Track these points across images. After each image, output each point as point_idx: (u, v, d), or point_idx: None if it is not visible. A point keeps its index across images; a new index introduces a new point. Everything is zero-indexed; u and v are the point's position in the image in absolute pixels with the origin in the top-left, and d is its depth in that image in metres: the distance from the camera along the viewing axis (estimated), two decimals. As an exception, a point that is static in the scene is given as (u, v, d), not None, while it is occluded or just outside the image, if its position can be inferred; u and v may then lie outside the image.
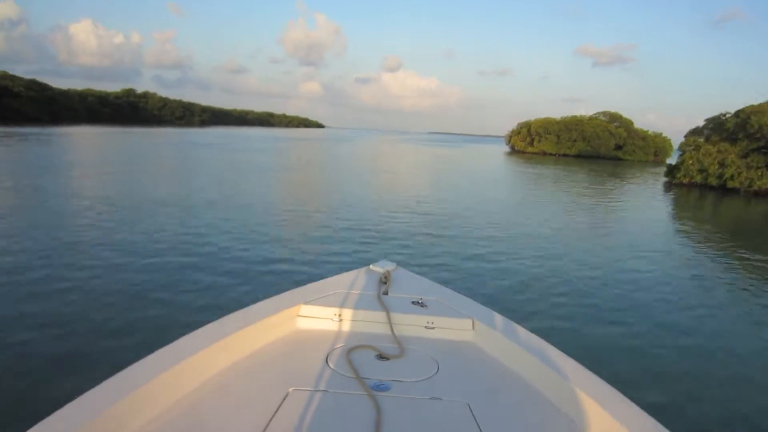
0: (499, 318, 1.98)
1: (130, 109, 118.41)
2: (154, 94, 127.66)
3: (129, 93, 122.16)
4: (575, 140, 52.09)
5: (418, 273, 2.59)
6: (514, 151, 57.03)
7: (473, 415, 1.36)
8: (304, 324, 1.93)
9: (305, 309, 1.95)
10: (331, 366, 1.60)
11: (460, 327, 1.94)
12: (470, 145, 79.61)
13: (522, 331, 1.85)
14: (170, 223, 8.21)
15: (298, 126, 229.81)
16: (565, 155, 51.79)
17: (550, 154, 52.26)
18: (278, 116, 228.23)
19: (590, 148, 51.40)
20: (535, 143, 54.39)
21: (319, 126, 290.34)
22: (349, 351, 1.70)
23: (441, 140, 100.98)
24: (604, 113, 56.04)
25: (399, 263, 2.58)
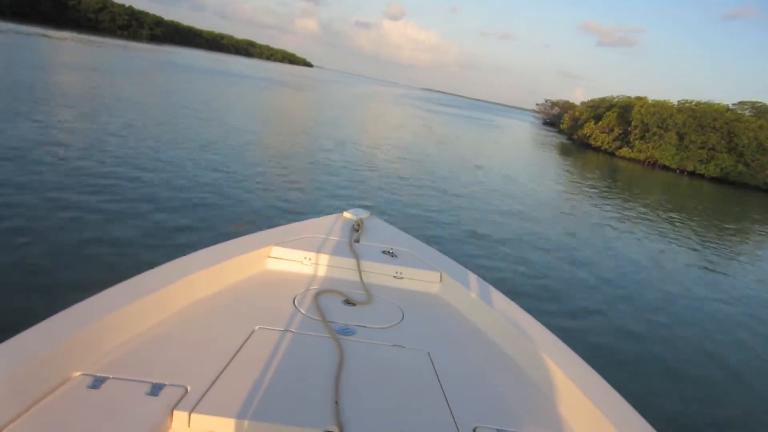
0: (467, 273, 2.00)
1: (52, 6, 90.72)
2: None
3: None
4: (713, 149, 27.78)
5: (391, 222, 2.56)
6: (583, 146, 34.07)
7: (432, 364, 1.42)
8: (274, 265, 1.92)
9: (276, 250, 1.93)
10: (298, 308, 1.62)
11: (428, 279, 1.97)
12: (483, 117, 56.56)
13: (488, 288, 1.88)
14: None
15: (281, 60, 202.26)
16: (694, 174, 27.92)
17: (665, 168, 28.86)
18: (260, 46, 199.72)
19: (744, 169, 26.50)
20: (635, 143, 29.64)
21: (307, 65, 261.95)
22: (317, 294, 1.72)
23: (443, 103, 76.04)
24: (753, 105, 30.65)
25: (372, 212, 2.54)
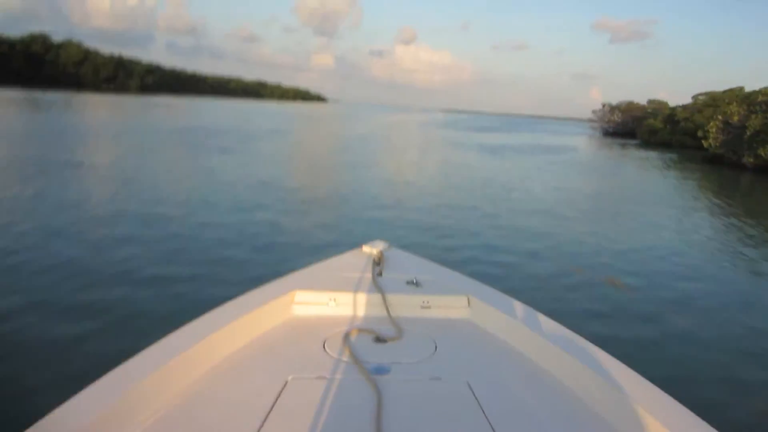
0: (494, 293, 1.96)
1: (25, 63, 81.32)
2: (77, 45, 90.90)
3: (33, 39, 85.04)
4: None
5: (411, 251, 2.52)
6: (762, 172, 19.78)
7: (473, 393, 1.36)
8: (299, 311, 1.88)
9: (299, 295, 1.90)
10: (329, 352, 1.58)
11: (456, 304, 1.92)
12: (538, 141, 39.49)
13: (518, 305, 1.82)
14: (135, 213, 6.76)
15: (293, 99, 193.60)
16: None
17: None
18: (271, 87, 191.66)
19: None
20: None
21: (321, 100, 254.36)
22: (346, 335, 1.66)
23: (476, 127, 59.35)
24: None
25: (391, 242, 2.49)
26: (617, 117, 60.47)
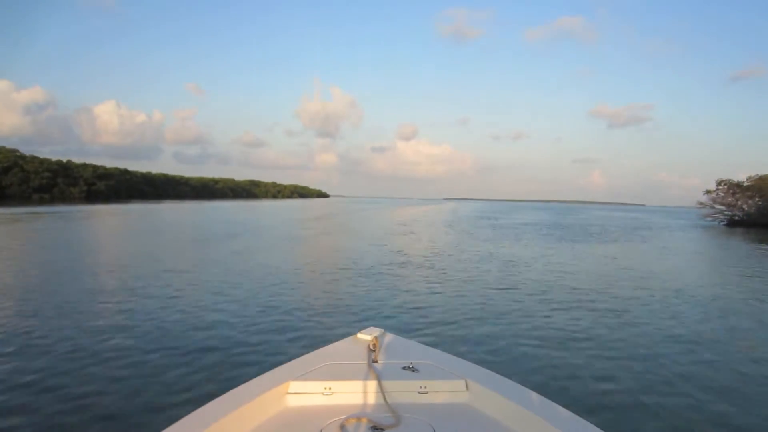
0: (492, 376, 1.95)
1: None
2: (7, 151, 74.14)
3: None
4: None
5: (406, 336, 2.44)
6: None
7: None
8: (293, 401, 1.85)
9: (294, 385, 1.88)
10: None
11: (454, 389, 1.89)
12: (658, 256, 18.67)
13: (516, 387, 1.82)
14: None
15: (290, 196, 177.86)
16: None
17: None
18: (265, 185, 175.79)
19: None
20: None
21: (322, 195, 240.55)
22: (343, 425, 1.65)
23: (509, 224, 40.01)
24: None
25: (386, 328, 2.46)
26: (745, 200, 39.59)
